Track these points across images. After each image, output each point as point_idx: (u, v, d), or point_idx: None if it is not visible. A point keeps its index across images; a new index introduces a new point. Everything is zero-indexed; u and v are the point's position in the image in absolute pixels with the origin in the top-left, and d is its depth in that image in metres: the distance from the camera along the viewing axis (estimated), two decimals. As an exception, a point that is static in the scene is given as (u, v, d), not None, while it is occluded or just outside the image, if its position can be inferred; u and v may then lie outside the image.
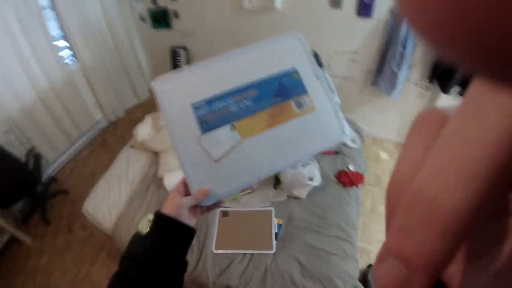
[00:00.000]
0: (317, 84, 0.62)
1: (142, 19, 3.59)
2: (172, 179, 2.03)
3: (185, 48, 3.45)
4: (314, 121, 0.60)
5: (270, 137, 0.58)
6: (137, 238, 0.53)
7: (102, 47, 3.22)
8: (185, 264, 0.57)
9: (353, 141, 2.21)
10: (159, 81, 0.58)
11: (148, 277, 0.50)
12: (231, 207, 1.87)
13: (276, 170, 0.60)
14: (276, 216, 1.76)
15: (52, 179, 2.98)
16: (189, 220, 0.56)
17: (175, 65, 3.51)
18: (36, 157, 2.60)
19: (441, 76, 2.19)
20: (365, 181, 2.10)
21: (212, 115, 0.57)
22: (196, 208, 0.58)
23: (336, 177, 1.94)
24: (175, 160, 2.12)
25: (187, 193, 0.57)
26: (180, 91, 0.59)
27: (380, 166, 2.63)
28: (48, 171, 2.94)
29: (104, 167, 2.37)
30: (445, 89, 2.21)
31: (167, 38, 3.46)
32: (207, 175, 0.56)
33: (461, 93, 2.20)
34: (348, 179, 1.91)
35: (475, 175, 0.11)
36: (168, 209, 0.55)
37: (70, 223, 2.59)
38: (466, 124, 0.12)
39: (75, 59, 3.10)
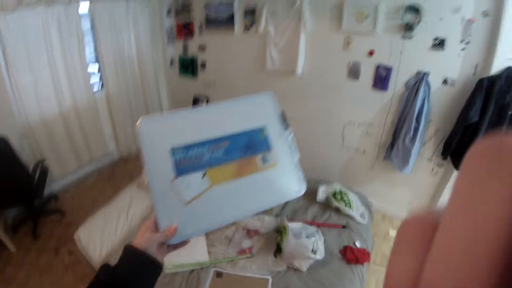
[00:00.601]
0: (281, 143, 0.74)
1: (172, 63, 4.10)
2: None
3: (207, 98, 3.82)
4: (276, 176, 0.71)
5: (237, 186, 0.68)
6: (106, 266, 0.58)
7: (129, 81, 3.65)
8: None
9: (361, 216, 2.24)
10: (144, 120, 0.68)
11: None
12: (226, 269, 1.86)
13: (240, 216, 0.69)
14: (272, 287, 1.73)
15: (53, 196, 3.18)
16: (156, 256, 0.62)
17: (194, 111, 3.96)
18: (43, 170, 2.81)
19: (455, 152, 2.24)
20: (372, 259, 2.07)
21: (187, 160, 0.68)
22: (163, 246, 0.64)
23: (341, 253, 1.93)
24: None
25: (156, 231, 0.63)
26: (161, 133, 0.69)
27: (388, 244, 2.57)
28: (51, 187, 3.14)
29: (107, 198, 2.52)
30: (458, 166, 2.22)
31: (191, 85, 3.87)
32: (176, 215, 0.65)
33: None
34: (353, 256, 1.89)
35: (488, 270, 0.12)
36: (137, 243, 0.61)
37: (58, 244, 2.67)
38: (466, 221, 0.13)
39: (101, 86, 3.55)
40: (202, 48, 3.59)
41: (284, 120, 0.78)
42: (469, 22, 1.98)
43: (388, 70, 2.40)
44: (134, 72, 3.77)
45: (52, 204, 3.14)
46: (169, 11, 3.93)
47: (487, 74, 1.96)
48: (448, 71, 2.15)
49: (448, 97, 2.21)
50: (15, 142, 2.60)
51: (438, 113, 2.31)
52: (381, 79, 2.46)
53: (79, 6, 3.22)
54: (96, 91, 3.46)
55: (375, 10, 2.30)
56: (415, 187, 2.68)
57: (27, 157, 2.83)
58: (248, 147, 0.72)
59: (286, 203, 2.31)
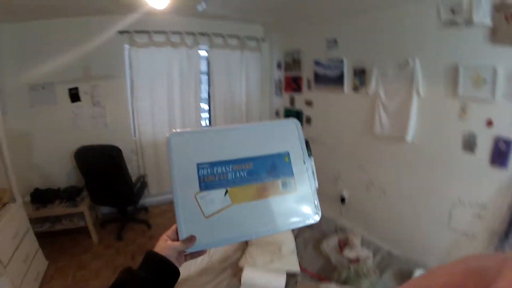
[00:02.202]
0: (303, 170, 0.91)
1: (277, 113, 4.89)
2: (251, 276, 2.37)
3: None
4: (294, 201, 0.88)
5: (255, 207, 0.85)
6: (128, 270, 0.74)
7: (235, 122, 4.64)
8: None
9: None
10: (176, 134, 0.86)
11: None
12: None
13: (255, 235, 0.87)
14: None
15: (145, 208, 4.33)
16: (175, 263, 0.78)
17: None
18: (143, 184, 3.97)
19: None
20: None
21: (212, 177, 0.85)
22: (181, 254, 0.81)
23: None
24: (261, 257, 2.60)
25: (176, 240, 0.80)
26: (190, 148, 0.86)
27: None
28: (145, 200, 4.23)
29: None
30: None
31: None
32: (196, 227, 0.81)
33: None
34: None
35: None
36: (159, 250, 0.77)
37: (137, 251, 3.52)
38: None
39: (209, 122, 4.74)
40: (309, 103, 4.24)
41: (308, 148, 0.95)
42: None
43: (509, 144, 2.36)
44: (241, 115, 4.77)
45: (142, 215, 4.24)
46: (279, 65, 4.78)
47: None
48: None
49: None
50: (126, 154, 3.72)
51: None
52: (501, 154, 2.41)
53: (199, 50, 4.46)
54: (204, 126, 4.57)
55: (493, 74, 2.32)
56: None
57: (133, 169, 3.99)
58: (271, 170, 0.89)
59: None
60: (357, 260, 2.63)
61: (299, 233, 3.12)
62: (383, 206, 3.41)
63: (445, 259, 2.92)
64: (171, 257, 0.77)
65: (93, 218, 3.78)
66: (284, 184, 0.89)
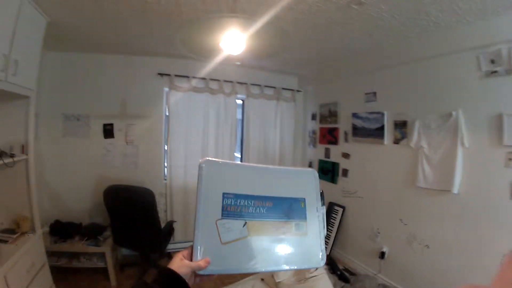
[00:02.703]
0: (315, 217, 1.04)
1: (310, 165, 4.99)
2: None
3: (343, 207, 4.43)
4: (304, 244, 0.99)
5: (268, 243, 0.96)
6: (143, 282, 0.84)
7: None
8: None
9: None
10: (208, 162, 0.97)
11: None
12: None
13: (263, 270, 0.96)
14: None
15: (168, 254, 4.21)
16: (188, 280, 0.84)
17: (328, 221, 4.48)
18: (171, 231, 3.91)
19: None
20: None
21: (234, 207, 0.95)
22: (192, 275, 0.87)
23: None
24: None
25: (191, 260, 0.88)
26: (219, 177, 0.97)
27: None
28: (169, 246, 4.11)
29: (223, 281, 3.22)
30: None
31: (328, 191, 4.58)
32: (211, 251, 0.89)
33: None
34: None
35: None
36: (174, 267, 0.84)
37: None
38: None
39: None
40: (345, 155, 4.35)
41: (322, 198, 1.08)
42: None
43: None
44: (274, 165, 4.97)
45: (164, 262, 4.10)
46: (313, 116, 5.00)
47: None
48: None
49: None
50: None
51: None
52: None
53: (236, 98, 4.72)
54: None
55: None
56: None
57: (160, 213, 3.89)
58: (288, 212, 1.01)
59: None
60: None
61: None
62: (426, 261, 3.35)
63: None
64: (185, 275, 0.84)
65: (113, 260, 3.75)
66: (297, 226, 1.01)
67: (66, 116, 4.13)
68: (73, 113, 4.15)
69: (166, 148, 4.57)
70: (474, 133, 2.92)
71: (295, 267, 0.99)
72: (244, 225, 0.95)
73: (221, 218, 0.93)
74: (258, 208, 0.98)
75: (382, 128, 3.83)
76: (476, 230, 2.93)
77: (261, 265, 0.95)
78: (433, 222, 3.30)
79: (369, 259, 4.04)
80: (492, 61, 2.73)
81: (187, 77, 4.52)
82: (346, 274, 3.84)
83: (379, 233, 3.95)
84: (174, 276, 0.83)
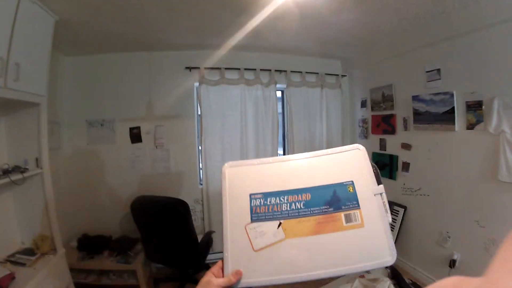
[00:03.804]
0: (371, 202, 0.85)
1: None
2: None
3: (404, 207, 3.94)
4: (361, 238, 0.80)
5: (313, 244, 0.80)
6: None
7: None
8: None
9: None
10: (229, 164, 0.91)
11: None
12: None
13: (312, 277, 0.78)
14: None
15: (207, 266, 3.74)
16: None
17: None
18: (209, 242, 3.53)
19: None
20: None
21: (264, 207, 0.85)
22: None
23: None
24: None
25: (221, 275, 0.81)
26: (245, 179, 0.89)
27: None
28: (208, 257, 3.72)
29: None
30: None
31: (385, 188, 4.26)
32: (243, 261, 0.80)
33: None
34: None
35: None
36: None
37: None
38: None
39: None
40: (406, 146, 3.85)
41: (378, 176, 0.89)
42: None
43: None
44: None
45: (203, 275, 3.87)
46: (363, 103, 4.52)
47: None
48: None
49: None
50: (190, 205, 3.32)
51: None
52: None
53: (276, 88, 4.30)
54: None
55: None
56: None
57: (196, 221, 3.70)
58: (332, 202, 0.85)
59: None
60: None
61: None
62: None
63: None
64: None
65: (146, 277, 3.53)
66: (348, 218, 0.84)
67: (89, 122, 3.99)
68: (97, 118, 3.98)
69: (200, 149, 4.28)
70: None
71: (354, 271, 0.80)
72: (278, 226, 0.84)
73: (251, 222, 0.85)
74: (293, 204, 0.86)
75: (451, 111, 3.29)
76: None
77: (306, 272, 0.79)
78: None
79: (436, 268, 3.56)
80: None
81: (219, 68, 4.19)
82: (415, 289, 3.36)
83: (449, 237, 3.43)
84: None
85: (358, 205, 0.85)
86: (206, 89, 4.13)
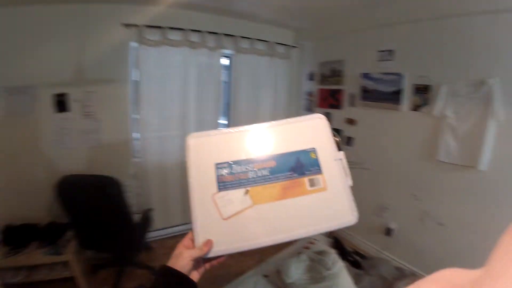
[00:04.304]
0: (333, 166, 0.91)
1: None
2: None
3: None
4: (324, 201, 0.87)
5: (279, 209, 0.85)
6: (141, 286, 0.82)
7: None
8: None
9: None
10: (193, 136, 0.93)
11: None
12: None
13: (278, 241, 0.84)
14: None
15: (147, 247, 3.69)
16: (191, 274, 0.81)
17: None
18: (147, 222, 3.28)
19: None
20: None
21: (230, 176, 0.88)
22: (199, 263, 0.83)
23: None
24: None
25: (192, 247, 0.83)
26: (208, 149, 0.91)
27: None
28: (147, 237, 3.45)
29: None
30: None
31: None
32: (213, 230, 0.83)
33: None
34: None
35: None
36: (172, 261, 0.79)
37: None
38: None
39: None
40: (350, 121, 4.01)
41: (338, 143, 0.96)
42: None
43: None
44: None
45: (144, 257, 3.55)
46: (311, 76, 4.58)
47: None
48: None
49: None
50: (125, 181, 2.98)
51: None
52: None
53: (221, 54, 4.11)
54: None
55: None
56: None
57: (132, 199, 3.37)
58: (296, 168, 0.90)
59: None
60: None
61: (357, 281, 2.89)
62: (440, 240, 3.23)
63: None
64: (185, 267, 0.78)
65: (81, 265, 3.11)
66: (312, 182, 0.89)
67: (8, 89, 3.24)
68: (18, 85, 3.27)
69: (136, 118, 3.85)
70: (510, 105, 2.68)
71: (319, 231, 0.87)
72: (245, 193, 0.87)
73: (218, 192, 0.87)
74: (259, 171, 0.89)
75: (399, 92, 3.46)
76: (500, 210, 2.81)
77: (274, 235, 0.84)
78: (451, 199, 3.15)
79: (373, 236, 3.88)
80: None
81: (161, 27, 3.71)
82: (357, 257, 3.62)
83: (387, 208, 3.73)
84: (171, 272, 0.77)
85: (321, 170, 0.90)
86: (146, 50, 3.69)
